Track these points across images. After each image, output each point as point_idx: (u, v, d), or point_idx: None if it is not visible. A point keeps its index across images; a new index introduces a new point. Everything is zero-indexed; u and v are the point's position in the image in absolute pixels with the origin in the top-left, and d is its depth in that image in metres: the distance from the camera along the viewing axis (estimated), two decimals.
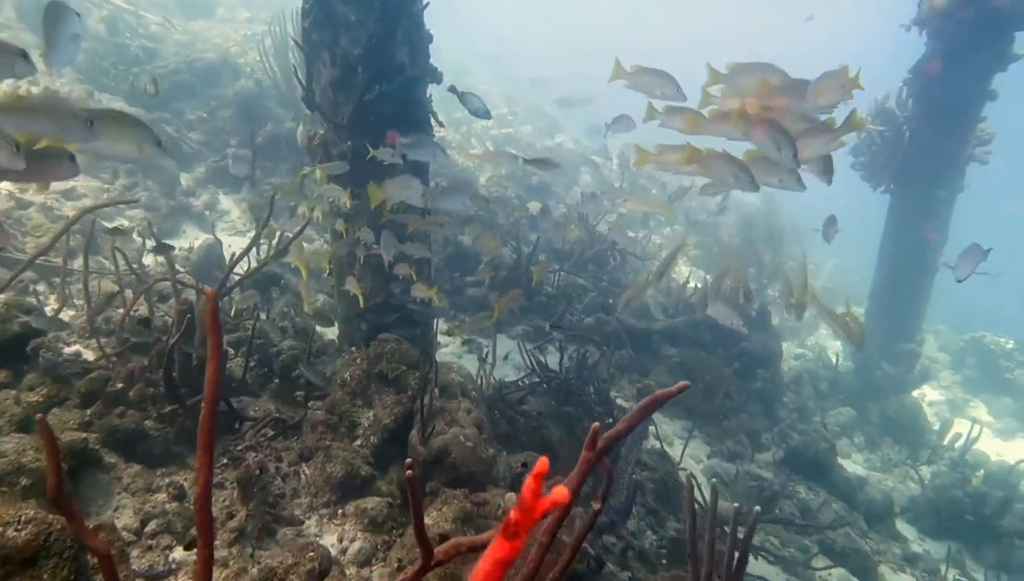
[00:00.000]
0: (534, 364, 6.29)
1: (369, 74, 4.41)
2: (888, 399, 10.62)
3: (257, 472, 3.46)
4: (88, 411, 3.53)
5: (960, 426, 10.78)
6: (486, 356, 6.87)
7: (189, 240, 7.20)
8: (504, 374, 7.37)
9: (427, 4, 4.52)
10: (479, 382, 6.23)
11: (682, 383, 1.87)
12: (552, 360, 7.20)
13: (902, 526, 7.70)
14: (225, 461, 3.83)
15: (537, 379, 6.23)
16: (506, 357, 7.19)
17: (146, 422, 3.70)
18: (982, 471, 9.55)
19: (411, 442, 4.17)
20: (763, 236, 10.45)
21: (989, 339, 14.98)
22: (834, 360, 12.81)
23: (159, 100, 8.72)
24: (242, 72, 10.23)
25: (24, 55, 2.55)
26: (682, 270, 13.91)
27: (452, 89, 4.56)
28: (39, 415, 1.54)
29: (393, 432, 4.30)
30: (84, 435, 3.11)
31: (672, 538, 4.93)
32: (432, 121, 4.77)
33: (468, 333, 4.88)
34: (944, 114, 10.21)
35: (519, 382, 6.48)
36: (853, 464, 9.11)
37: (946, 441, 10.34)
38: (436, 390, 4.51)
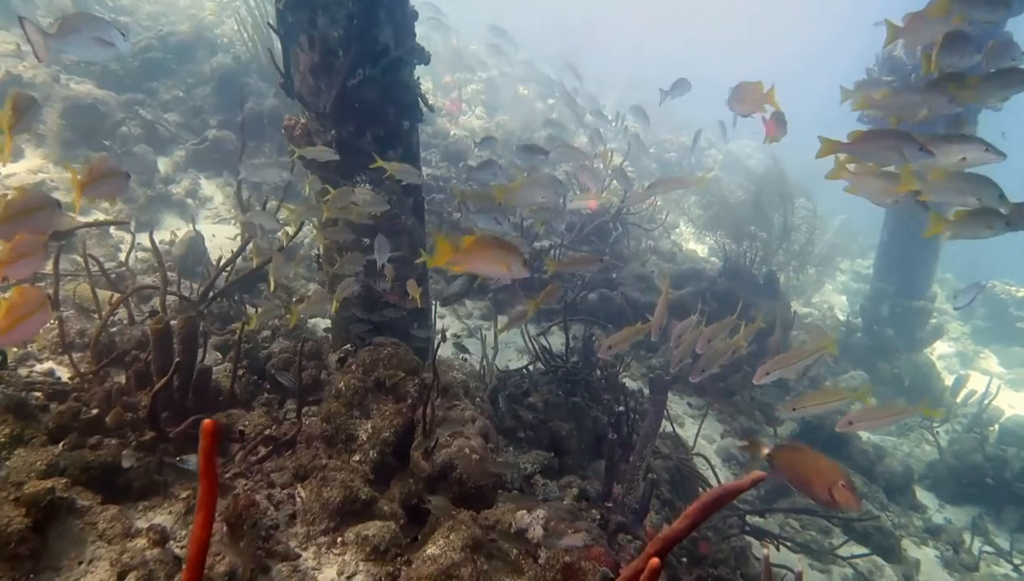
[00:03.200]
0: (538, 352, 6.01)
1: (351, 58, 4.02)
2: (900, 359, 10.39)
3: (247, 507, 3.18)
4: (58, 447, 3.23)
5: (974, 382, 10.58)
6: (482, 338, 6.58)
7: (171, 231, 6.82)
8: (507, 358, 7.11)
9: None
10: (481, 370, 5.97)
11: (756, 475, 1.59)
12: (556, 341, 6.93)
13: (921, 494, 7.52)
14: None
15: (542, 367, 5.96)
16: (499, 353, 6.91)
17: (124, 452, 3.40)
18: (996, 427, 9.38)
19: (413, 457, 3.90)
20: (773, 197, 10.06)
21: (999, 288, 14.71)
22: (841, 318, 12.59)
23: (131, 80, 8.25)
24: (219, 46, 9.69)
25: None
26: (684, 232, 13.58)
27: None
28: None
29: (393, 445, 4.02)
30: (50, 484, 2.81)
31: (691, 538, 4.70)
32: (421, 105, 4.38)
33: (507, 330, 4.65)
34: None
35: (523, 370, 6.21)
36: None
37: (960, 399, 10.16)
38: (438, 397, 4.22)
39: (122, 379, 3.93)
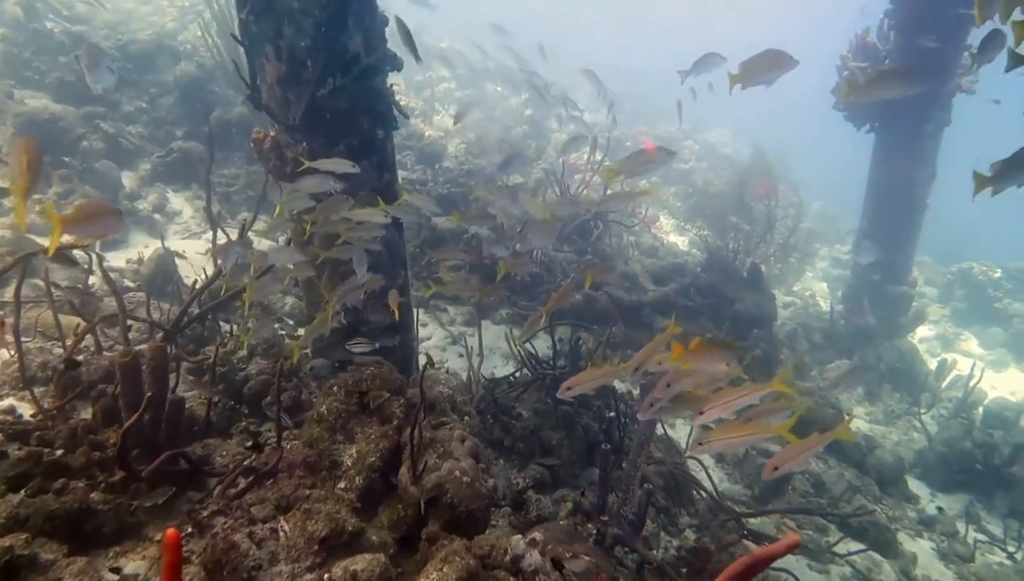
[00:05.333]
0: (525, 358, 5.86)
1: (320, 67, 3.83)
2: (883, 345, 10.38)
3: (226, 551, 3.00)
4: (19, 495, 3.02)
5: (958, 366, 10.61)
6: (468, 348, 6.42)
7: (138, 250, 6.55)
8: (492, 364, 6.96)
9: None
10: (467, 379, 5.81)
11: (792, 539, 1.47)
12: (542, 345, 6.79)
13: (913, 484, 7.48)
14: (190, 530, 3.35)
15: (530, 375, 5.81)
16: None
17: (92, 495, 3.20)
18: (980, 409, 9.40)
19: (401, 482, 3.73)
20: (755, 187, 9.98)
21: (977, 269, 14.80)
22: (824, 306, 12.59)
23: (90, 92, 7.91)
24: (182, 53, 9.38)
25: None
26: (664, 225, 13.50)
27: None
28: None
29: (380, 470, 3.85)
30: (8, 542, 2.61)
31: (691, 548, 4.59)
32: (395, 113, 4.20)
33: (524, 339, 4.48)
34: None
35: (511, 377, 6.06)
36: (855, 420, 8.88)
37: (945, 384, 10.18)
38: (424, 417, 4.05)
39: (88, 414, 3.72)
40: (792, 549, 1.48)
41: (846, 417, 3.90)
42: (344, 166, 3.86)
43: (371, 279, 4.09)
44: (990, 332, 13.94)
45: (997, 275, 14.78)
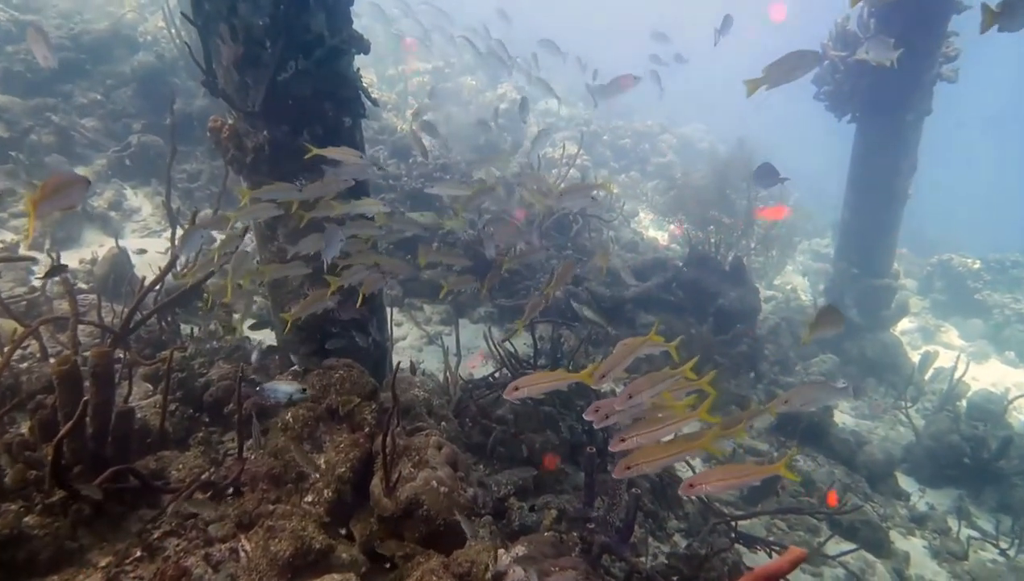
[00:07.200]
0: (504, 358, 5.59)
1: (280, 49, 3.54)
2: (866, 338, 10.26)
3: (176, 578, 2.70)
4: None
5: (941, 359, 10.51)
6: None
7: (92, 249, 6.17)
8: (471, 365, 6.68)
9: None
10: (444, 380, 5.53)
11: (796, 555, 1.30)
12: (522, 343, 6.54)
13: (901, 479, 7.33)
14: (139, 553, 3.04)
15: (510, 375, 5.55)
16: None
17: (26, 519, 2.89)
18: (964, 402, 9.30)
19: (374, 494, 3.46)
20: (738, 181, 9.79)
21: (956, 261, 14.78)
22: (805, 300, 12.48)
23: (40, 82, 7.47)
24: (140, 44, 8.96)
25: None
26: (643, 219, 13.30)
27: None
28: None
29: (351, 481, 3.56)
30: None
31: (683, 555, 4.35)
32: (363, 99, 3.91)
33: (525, 323, 4.28)
34: (908, 32, 9.55)
35: (490, 378, 5.78)
36: (841, 414, 8.73)
37: (927, 377, 10.08)
38: (398, 424, 3.77)
39: (26, 429, 3.39)
40: (798, 564, 1.32)
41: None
42: (351, 156, 3.56)
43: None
44: (970, 323, 13.92)
45: (976, 266, 14.77)
